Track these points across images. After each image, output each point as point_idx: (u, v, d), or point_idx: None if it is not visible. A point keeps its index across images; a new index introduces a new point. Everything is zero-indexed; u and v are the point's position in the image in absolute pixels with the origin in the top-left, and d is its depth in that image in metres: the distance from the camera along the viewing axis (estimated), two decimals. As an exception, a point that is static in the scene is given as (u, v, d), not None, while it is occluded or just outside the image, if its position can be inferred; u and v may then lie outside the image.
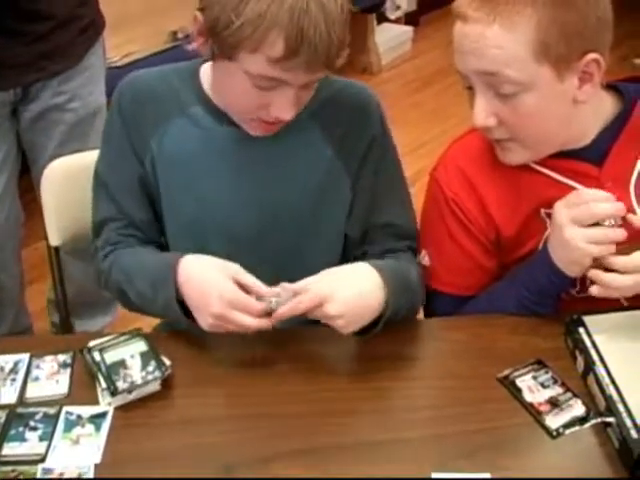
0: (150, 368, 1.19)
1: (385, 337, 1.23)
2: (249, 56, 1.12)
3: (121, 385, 1.17)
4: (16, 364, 1.27)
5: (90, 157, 1.63)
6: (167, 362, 1.20)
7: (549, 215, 1.27)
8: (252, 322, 1.14)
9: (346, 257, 1.42)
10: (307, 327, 1.28)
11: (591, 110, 1.25)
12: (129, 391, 1.17)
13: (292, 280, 1.20)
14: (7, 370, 1.26)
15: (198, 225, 1.34)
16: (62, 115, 2.07)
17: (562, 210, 1.19)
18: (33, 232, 2.94)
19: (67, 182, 1.64)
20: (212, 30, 1.14)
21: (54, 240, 1.65)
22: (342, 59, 1.18)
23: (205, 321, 1.18)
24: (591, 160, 1.27)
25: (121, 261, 1.34)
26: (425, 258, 1.37)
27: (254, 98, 1.18)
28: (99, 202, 1.40)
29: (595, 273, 1.17)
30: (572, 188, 1.25)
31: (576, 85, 1.19)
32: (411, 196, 1.43)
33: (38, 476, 1.07)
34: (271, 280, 1.18)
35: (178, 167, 1.32)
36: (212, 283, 1.17)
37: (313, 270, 1.33)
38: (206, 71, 1.31)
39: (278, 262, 1.35)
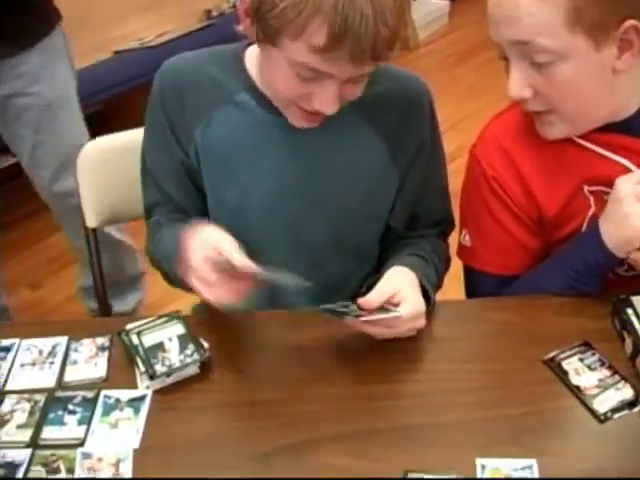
0: (188, 351, 1.18)
1: (428, 318, 1.21)
2: (291, 43, 1.07)
3: (159, 368, 1.16)
4: (54, 347, 1.26)
5: (125, 138, 1.63)
6: (205, 345, 1.19)
7: (593, 193, 1.24)
8: (209, 296, 1.10)
9: (384, 244, 1.42)
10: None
11: (633, 80, 1.20)
12: (168, 374, 1.16)
13: (335, 273, 1.17)
14: (46, 353, 1.25)
15: (240, 214, 1.32)
16: (27, 100, 2.09)
17: (626, 184, 1.15)
18: (43, 227, 2.99)
19: (104, 163, 1.63)
20: (257, 12, 1.09)
21: (91, 222, 1.65)
22: (395, 52, 1.11)
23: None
24: (637, 133, 1.23)
25: (162, 242, 1.34)
26: (466, 238, 1.34)
27: (296, 87, 1.14)
28: (146, 188, 1.40)
29: (638, 255, 1.14)
30: (618, 163, 1.22)
31: (615, 54, 1.14)
32: (448, 179, 1.41)
33: (77, 460, 1.07)
34: (306, 272, 1.16)
35: (223, 155, 1.30)
36: (190, 252, 1.14)
37: (349, 263, 1.31)
38: (252, 56, 1.28)
39: (316, 254, 1.33)
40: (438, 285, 1.35)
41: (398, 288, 1.17)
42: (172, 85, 1.30)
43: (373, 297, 1.14)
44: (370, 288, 1.17)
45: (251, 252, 1.28)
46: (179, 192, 1.36)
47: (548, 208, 1.27)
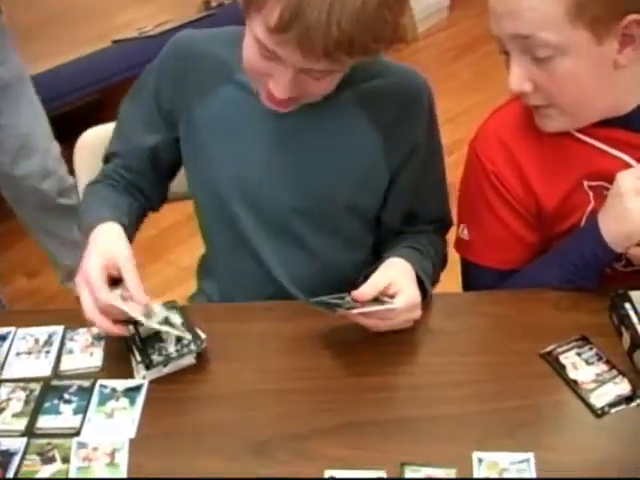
0: (185, 341, 1.17)
1: (423, 311, 1.21)
2: (255, 16, 1.07)
3: (156, 358, 1.16)
4: (50, 336, 1.26)
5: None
6: (202, 335, 1.18)
7: (592, 188, 1.24)
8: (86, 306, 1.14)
9: (379, 239, 1.42)
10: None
11: (634, 75, 1.19)
12: (164, 364, 1.16)
13: (328, 262, 1.17)
14: (42, 342, 1.25)
15: (228, 194, 1.32)
16: None
17: (627, 179, 1.15)
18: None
19: (101, 152, 1.62)
20: None
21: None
22: (358, 56, 1.08)
23: None
24: (637, 128, 1.22)
25: (85, 197, 1.39)
26: (464, 232, 1.34)
27: (259, 64, 1.13)
28: (115, 135, 1.42)
29: (636, 250, 1.14)
30: (618, 158, 1.22)
31: (616, 48, 1.13)
32: (446, 173, 1.41)
33: (73, 450, 1.07)
34: (299, 260, 1.15)
35: (218, 133, 1.30)
36: (92, 248, 1.18)
37: (342, 253, 1.31)
38: None
39: (305, 241, 1.33)
40: (434, 280, 1.35)
41: (393, 279, 1.17)
42: (179, 52, 1.32)
43: (366, 289, 1.14)
44: (366, 279, 1.16)
45: (240, 236, 1.29)
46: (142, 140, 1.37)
47: (547, 203, 1.27)
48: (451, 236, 1.43)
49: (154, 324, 1.14)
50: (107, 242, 1.19)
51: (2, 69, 2.15)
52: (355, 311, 1.12)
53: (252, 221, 1.33)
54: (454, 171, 1.40)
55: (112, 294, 1.13)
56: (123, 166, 1.38)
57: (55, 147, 2.31)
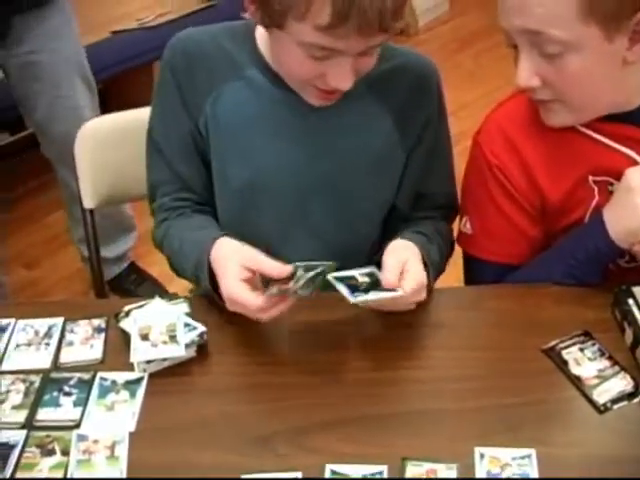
0: (186, 334, 1.17)
1: (426, 305, 1.21)
2: (298, 25, 1.06)
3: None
4: (50, 328, 1.25)
5: (124, 118, 1.62)
6: (204, 328, 1.18)
7: (597, 183, 1.23)
8: (254, 315, 1.13)
9: (388, 224, 1.41)
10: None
11: None
12: (164, 357, 1.15)
13: (339, 251, 1.17)
14: (42, 334, 1.24)
15: (248, 191, 1.31)
16: (48, 56, 2.17)
17: (637, 175, 1.14)
18: (41, 206, 2.98)
19: (102, 143, 1.62)
20: None
21: (88, 203, 1.63)
22: (401, 22, 1.10)
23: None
24: None
25: (170, 234, 1.34)
26: (467, 225, 1.33)
27: (310, 68, 1.13)
28: (153, 165, 1.38)
29: None
30: (623, 154, 1.21)
31: (626, 45, 1.12)
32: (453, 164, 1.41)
33: (73, 442, 1.06)
34: (318, 251, 1.14)
35: (232, 131, 1.29)
36: (224, 271, 1.15)
37: (359, 240, 1.30)
38: (262, 32, 1.25)
39: (326, 233, 1.33)
40: (441, 268, 1.34)
41: (404, 260, 1.14)
42: (183, 54, 1.29)
43: (390, 279, 1.10)
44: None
45: (259, 233, 1.28)
46: (187, 167, 1.34)
47: (552, 197, 1.26)
48: (455, 230, 1.42)
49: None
50: (227, 255, 1.17)
51: (65, 43, 2.20)
52: (358, 300, 1.09)
53: (269, 214, 1.32)
54: (457, 164, 1.39)
55: (263, 295, 1.10)
56: (178, 190, 1.36)
57: None
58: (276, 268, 1.10)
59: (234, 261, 1.13)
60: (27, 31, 2.11)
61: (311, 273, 1.09)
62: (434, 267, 1.24)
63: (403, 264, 1.14)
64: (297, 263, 1.10)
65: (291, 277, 1.09)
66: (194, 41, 1.29)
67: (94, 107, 2.35)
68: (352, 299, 1.08)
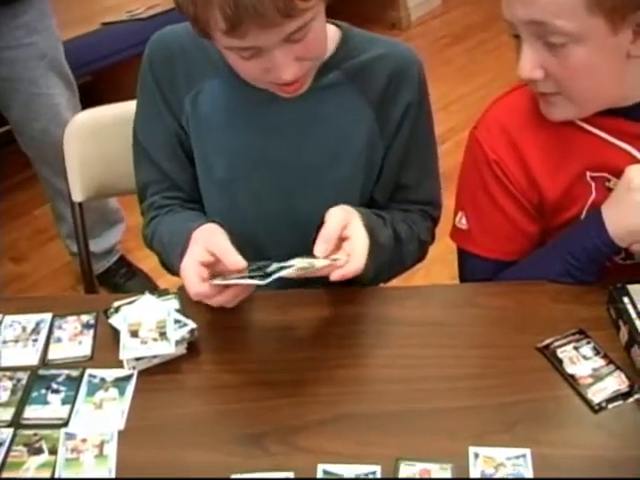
0: (177, 331, 1.15)
1: (418, 301, 1.19)
2: (212, 34, 1.07)
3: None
4: (38, 324, 1.24)
5: (114, 110, 1.60)
6: (194, 325, 1.16)
7: (595, 179, 1.22)
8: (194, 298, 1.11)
9: None
10: (336, 289, 1.23)
11: None
12: (154, 355, 1.13)
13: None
14: (29, 330, 1.23)
15: (231, 187, 1.30)
16: (24, 51, 2.16)
17: (636, 174, 1.13)
18: (29, 199, 2.96)
19: (91, 135, 1.60)
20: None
21: (77, 196, 1.62)
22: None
23: None
24: None
25: (159, 230, 1.33)
26: (462, 220, 1.32)
27: (252, 68, 1.12)
28: (140, 165, 1.37)
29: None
30: (622, 150, 1.20)
31: (630, 39, 1.11)
32: (438, 161, 1.38)
33: (60, 441, 1.05)
34: (300, 244, 1.13)
35: (212, 128, 1.29)
36: (189, 250, 1.14)
37: None
38: None
39: (307, 225, 1.31)
40: (393, 259, 1.29)
41: (346, 221, 1.12)
42: (162, 52, 1.28)
43: (319, 246, 1.08)
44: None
45: (243, 229, 1.26)
46: (173, 166, 1.33)
47: (549, 193, 1.25)
48: (447, 226, 1.40)
49: (286, 270, 1.06)
50: (199, 236, 1.17)
51: (42, 38, 2.18)
52: (289, 272, 1.04)
53: (251, 207, 1.31)
54: (448, 159, 1.38)
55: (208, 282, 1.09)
56: (166, 189, 1.36)
57: None
58: (231, 260, 1.08)
59: (200, 243, 1.13)
60: (0, 26, 2.09)
61: (259, 273, 1.08)
62: (377, 249, 1.18)
63: (344, 224, 1.12)
64: (255, 263, 1.10)
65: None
66: (173, 38, 1.29)
67: (73, 104, 2.33)
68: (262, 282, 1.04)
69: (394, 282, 1.39)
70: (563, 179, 1.24)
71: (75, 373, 1.14)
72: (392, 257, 1.28)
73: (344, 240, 1.11)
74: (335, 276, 1.07)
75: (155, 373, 1.14)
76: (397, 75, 1.27)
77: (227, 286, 1.10)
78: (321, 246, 1.08)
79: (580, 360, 1.11)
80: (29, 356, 1.19)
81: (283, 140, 1.28)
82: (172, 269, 1.30)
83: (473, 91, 3.42)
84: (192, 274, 1.10)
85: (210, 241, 1.13)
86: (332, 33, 1.25)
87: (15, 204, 3.04)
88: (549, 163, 1.24)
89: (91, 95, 2.38)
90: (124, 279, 2.59)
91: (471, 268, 1.35)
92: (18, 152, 2.42)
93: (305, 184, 1.30)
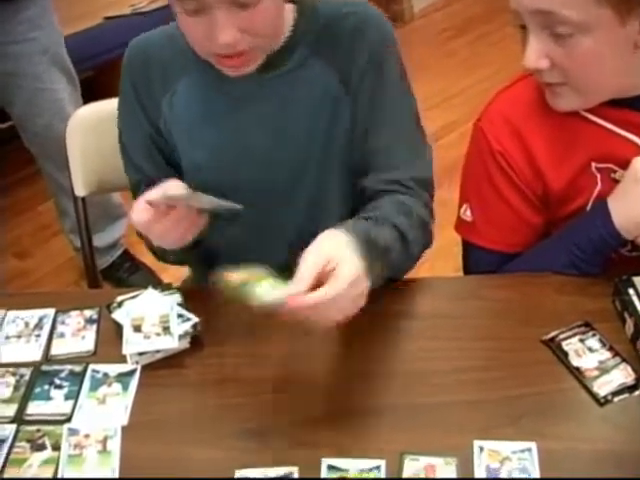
0: (180, 325, 1.15)
1: (422, 294, 1.19)
2: None
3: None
4: (41, 319, 1.24)
5: (114, 105, 1.57)
6: (197, 319, 1.16)
7: (600, 170, 1.21)
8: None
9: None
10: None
11: None
12: (157, 349, 1.13)
13: (295, 227, 1.21)
14: (32, 326, 1.23)
15: (214, 178, 1.28)
16: (26, 46, 2.17)
17: None
18: (33, 195, 2.96)
19: (93, 130, 1.59)
20: None
21: (79, 190, 1.61)
22: None
23: None
24: None
25: None
26: (467, 212, 1.31)
27: (196, 28, 1.11)
28: (126, 165, 1.38)
29: None
30: (628, 141, 1.19)
31: (637, 30, 1.10)
32: (419, 135, 1.30)
33: (63, 437, 1.04)
34: (268, 233, 1.11)
35: (188, 127, 1.28)
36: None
37: (316, 218, 1.27)
38: None
39: (286, 205, 1.31)
40: (407, 258, 1.22)
41: (328, 256, 0.99)
42: (139, 57, 1.29)
43: (299, 286, 0.96)
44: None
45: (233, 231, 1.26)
46: (151, 168, 1.33)
47: (554, 184, 1.24)
48: (452, 217, 1.39)
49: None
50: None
51: (44, 33, 2.18)
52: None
53: (239, 198, 1.29)
54: (451, 151, 1.37)
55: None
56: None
57: None
58: (172, 187, 1.11)
59: (159, 187, 1.13)
60: (3, 22, 2.10)
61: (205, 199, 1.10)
62: (382, 253, 1.09)
63: (327, 259, 0.99)
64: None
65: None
66: (149, 43, 1.29)
67: (76, 99, 2.33)
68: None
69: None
70: (568, 170, 1.23)
71: (78, 368, 1.14)
72: (399, 254, 1.18)
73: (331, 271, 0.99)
74: (293, 304, 0.96)
75: (158, 368, 1.13)
76: (355, 33, 1.23)
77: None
78: (293, 288, 0.97)
79: (586, 353, 1.10)
80: (32, 352, 1.18)
81: (259, 130, 1.26)
82: (163, 256, 1.30)
83: (476, 83, 3.39)
84: (136, 204, 1.11)
85: (166, 184, 1.13)
86: (289, 12, 1.23)
87: (19, 200, 3.04)
88: (554, 154, 1.23)
89: (93, 90, 2.37)
90: (128, 273, 2.59)
91: (475, 260, 1.34)
92: (21, 148, 2.41)
93: (282, 167, 1.27)
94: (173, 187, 1.12)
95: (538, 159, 1.23)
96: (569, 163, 1.23)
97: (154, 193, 1.10)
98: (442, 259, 1.38)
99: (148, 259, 2.57)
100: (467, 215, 1.31)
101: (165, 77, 1.27)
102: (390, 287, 1.21)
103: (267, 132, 1.26)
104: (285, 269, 1.00)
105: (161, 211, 1.10)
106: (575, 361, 1.09)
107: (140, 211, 1.10)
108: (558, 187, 1.24)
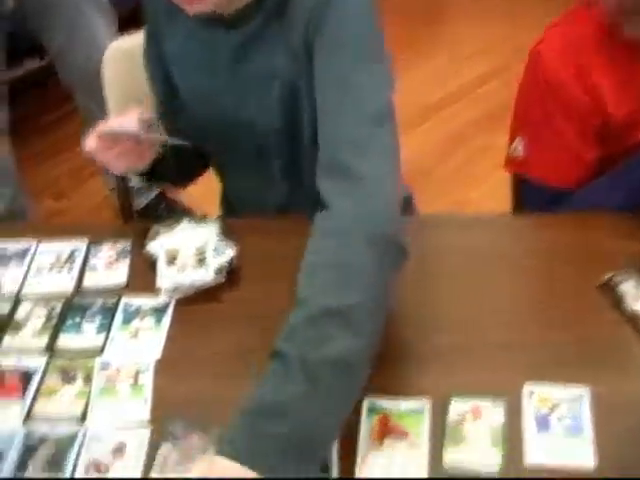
0: (215, 258, 1.10)
1: (472, 230, 1.13)
2: None
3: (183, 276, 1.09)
4: (73, 252, 1.20)
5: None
6: (233, 252, 1.11)
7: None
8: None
9: None
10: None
11: None
12: (192, 283, 1.08)
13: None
14: (64, 258, 1.19)
15: (204, 126, 1.26)
16: None
17: None
18: (69, 135, 2.92)
19: (129, 62, 1.54)
20: None
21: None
22: None
23: None
24: None
25: None
26: (518, 147, 1.25)
27: None
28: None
29: None
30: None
31: None
32: (386, 110, 1.02)
33: (95, 369, 1.01)
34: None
35: (183, 66, 1.26)
36: None
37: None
38: None
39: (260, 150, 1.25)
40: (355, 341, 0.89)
41: None
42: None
43: None
44: None
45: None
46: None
47: (615, 114, 1.18)
48: (499, 160, 1.31)
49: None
50: None
51: None
52: None
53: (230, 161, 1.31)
54: (495, 97, 1.30)
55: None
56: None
57: None
58: (126, 121, 1.14)
59: (115, 119, 1.17)
60: None
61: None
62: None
63: None
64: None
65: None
66: None
67: (112, 33, 2.30)
68: None
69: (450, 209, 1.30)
70: (632, 96, 1.17)
71: (110, 301, 1.11)
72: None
73: None
74: None
75: (192, 303, 1.10)
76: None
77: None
78: None
79: (640, 296, 1.04)
80: (64, 284, 1.15)
81: (220, 79, 1.21)
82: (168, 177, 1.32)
83: (515, 34, 3.28)
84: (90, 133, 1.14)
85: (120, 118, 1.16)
86: None
87: (54, 141, 3.00)
88: (617, 81, 1.17)
89: (132, 24, 2.33)
90: (164, 212, 2.56)
91: (527, 196, 1.30)
92: (57, 88, 2.38)
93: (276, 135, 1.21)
94: (126, 121, 1.14)
95: (600, 87, 1.18)
96: (632, 92, 1.17)
97: (107, 125, 1.14)
98: (489, 202, 1.32)
99: (185, 199, 2.54)
100: (519, 150, 1.26)
101: (169, 20, 1.25)
102: (442, 220, 1.15)
103: (224, 82, 1.21)
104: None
105: (106, 143, 1.14)
106: (631, 305, 1.03)
107: (89, 140, 1.14)
108: (619, 117, 1.18)
